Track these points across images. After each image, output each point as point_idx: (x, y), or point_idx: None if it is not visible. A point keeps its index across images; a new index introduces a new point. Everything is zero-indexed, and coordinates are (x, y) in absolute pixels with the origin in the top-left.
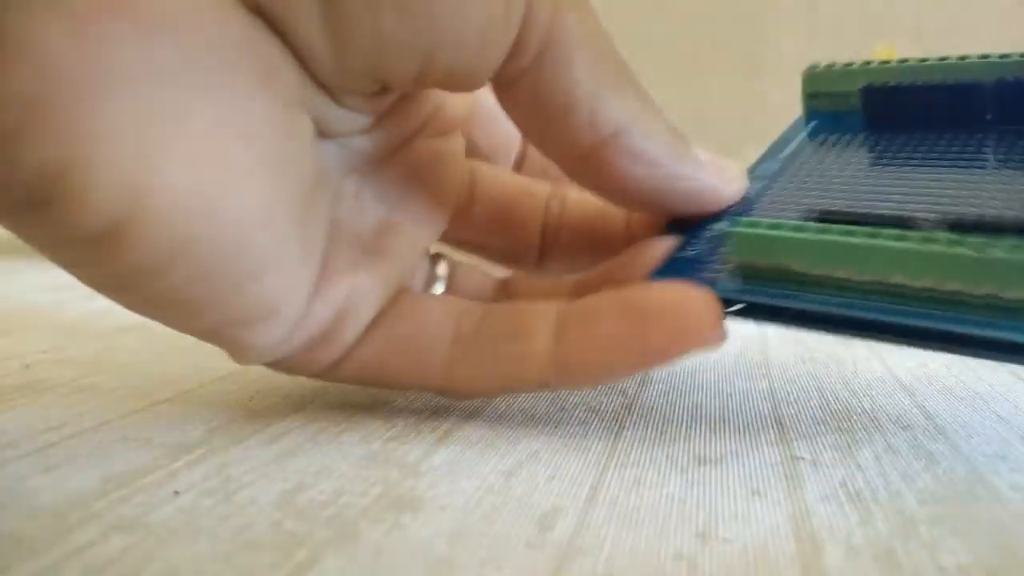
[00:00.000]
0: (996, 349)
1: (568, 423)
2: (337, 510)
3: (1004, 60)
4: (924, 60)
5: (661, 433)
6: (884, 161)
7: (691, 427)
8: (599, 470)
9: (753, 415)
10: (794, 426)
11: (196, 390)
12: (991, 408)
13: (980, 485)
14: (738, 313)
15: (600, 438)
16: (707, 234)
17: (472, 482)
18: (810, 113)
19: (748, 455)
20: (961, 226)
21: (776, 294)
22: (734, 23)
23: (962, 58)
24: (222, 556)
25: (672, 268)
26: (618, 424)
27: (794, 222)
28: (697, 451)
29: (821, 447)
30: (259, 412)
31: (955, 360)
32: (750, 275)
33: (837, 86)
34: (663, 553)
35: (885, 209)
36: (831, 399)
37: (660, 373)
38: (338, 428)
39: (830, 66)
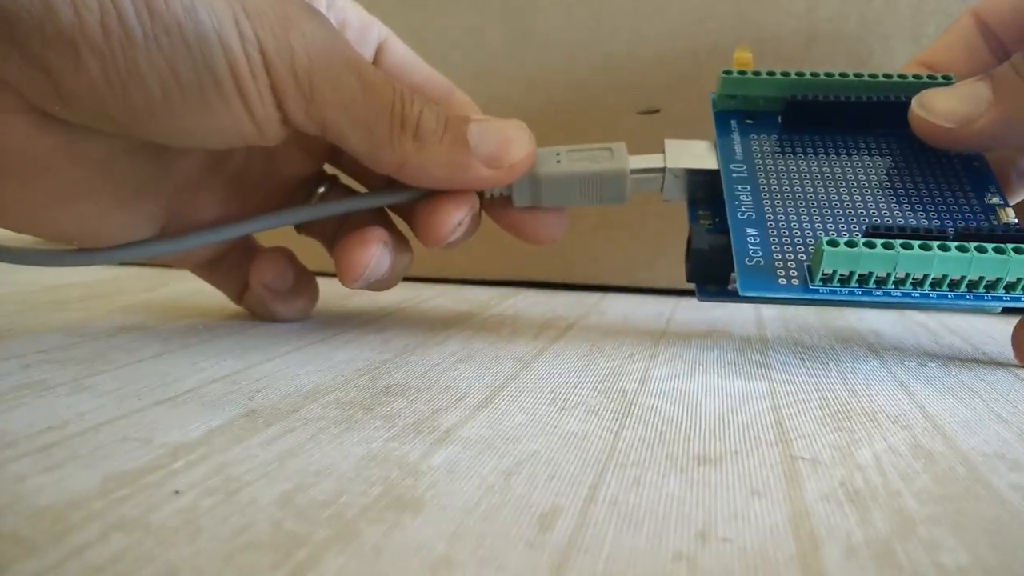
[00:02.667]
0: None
1: (568, 423)
2: (337, 510)
3: (882, 80)
4: (815, 75)
5: (660, 433)
6: (808, 154)
7: (690, 427)
8: (599, 470)
9: (752, 415)
10: (793, 426)
11: (196, 390)
12: (990, 408)
13: (979, 485)
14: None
15: (600, 438)
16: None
17: (472, 482)
18: (722, 112)
19: (747, 455)
20: (967, 236)
21: (847, 292)
22: (734, 24)
23: (845, 74)
24: (222, 556)
25: (754, 276)
26: (618, 424)
27: (862, 239)
28: (696, 451)
29: (820, 447)
30: (259, 412)
31: (955, 360)
32: (827, 279)
33: (752, 90)
34: (663, 553)
35: (903, 220)
36: (830, 399)
37: (660, 373)
38: (338, 428)
39: (743, 73)
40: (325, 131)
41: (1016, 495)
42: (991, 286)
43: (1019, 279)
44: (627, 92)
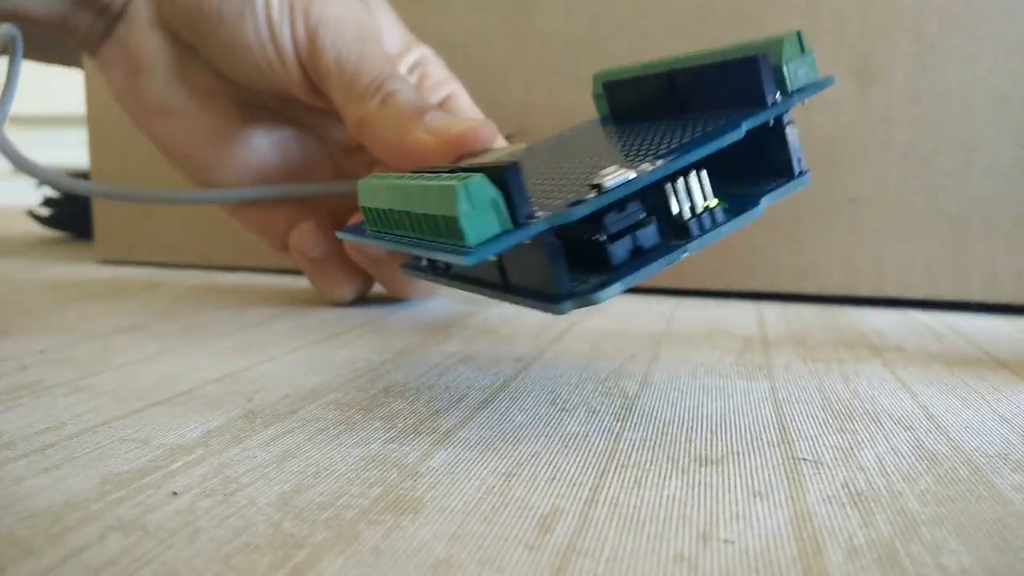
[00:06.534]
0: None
1: (568, 424)
2: (336, 511)
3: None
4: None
5: (662, 434)
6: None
7: (692, 428)
8: (599, 471)
9: (754, 416)
10: (795, 427)
11: (195, 390)
12: (993, 409)
13: (982, 486)
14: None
15: (600, 439)
16: None
17: (472, 483)
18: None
19: (749, 456)
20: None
21: (376, 234)
22: (734, 23)
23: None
24: (220, 557)
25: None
26: (619, 425)
27: (381, 174)
28: (698, 452)
29: (822, 448)
30: (258, 412)
31: (958, 361)
32: (370, 220)
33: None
34: (664, 555)
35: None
36: (832, 400)
37: (661, 374)
38: (337, 429)
39: (611, 71)
40: (319, 73)
41: (1019, 496)
42: None
43: None
44: None
